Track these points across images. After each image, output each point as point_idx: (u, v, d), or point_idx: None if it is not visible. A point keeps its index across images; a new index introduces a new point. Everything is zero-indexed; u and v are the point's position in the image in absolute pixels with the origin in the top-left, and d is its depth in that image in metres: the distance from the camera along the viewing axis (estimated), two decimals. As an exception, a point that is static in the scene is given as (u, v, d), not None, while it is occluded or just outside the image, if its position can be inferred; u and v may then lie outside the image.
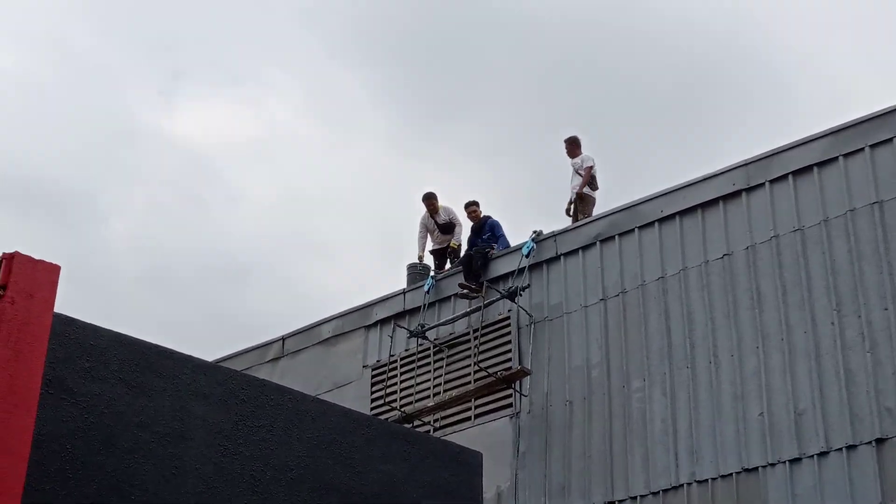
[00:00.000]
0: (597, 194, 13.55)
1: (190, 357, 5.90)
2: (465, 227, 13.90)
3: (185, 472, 5.59)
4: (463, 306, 12.85)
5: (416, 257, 14.12)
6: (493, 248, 12.96)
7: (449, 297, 13.05)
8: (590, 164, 13.47)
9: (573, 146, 13.76)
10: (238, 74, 38.93)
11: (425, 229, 14.06)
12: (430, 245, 14.10)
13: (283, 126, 37.93)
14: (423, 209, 14.09)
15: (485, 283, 12.56)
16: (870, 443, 9.10)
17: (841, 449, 9.25)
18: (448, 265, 13.81)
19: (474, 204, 13.68)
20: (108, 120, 36.52)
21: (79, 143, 36.45)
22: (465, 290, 12.67)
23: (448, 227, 13.73)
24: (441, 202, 14.00)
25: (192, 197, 37.15)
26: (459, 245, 13.77)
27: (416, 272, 13.98)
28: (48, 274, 4.95)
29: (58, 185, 35.47)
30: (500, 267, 12.72)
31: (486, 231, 13.34)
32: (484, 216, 13.57)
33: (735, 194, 10.83)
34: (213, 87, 38.72)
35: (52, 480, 5.11)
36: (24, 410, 4.71)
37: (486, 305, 12.43)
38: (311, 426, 6.20)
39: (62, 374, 5.34)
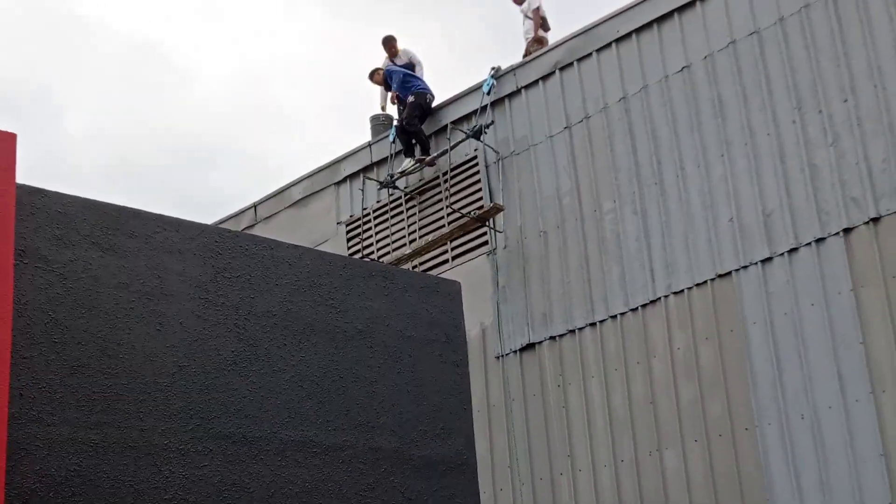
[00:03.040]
0: (550, 35, 13.46)
1: (160, 215, 5.88)
2: (426, 70, 13.74)
3: (170, 327, 5.64)
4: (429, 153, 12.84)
5: (379, 108, 14.01)
6: (424, 96, 12.82)
7: (416, 144, 13.02)
8: (536, 6, 13.40)
9: None
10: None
11: None
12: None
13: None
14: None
15: (428, 145, 12.68)
16: (837, 234, 9.29)
17: (810, 243, 9.45)
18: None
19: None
20: (47, 11, 35.54)
21: (23, 39, 35.54)
22: (423, 164, 12.65)
23: (409, 69, 13.59)
24: (400, 45, 13.81)
25: (144, 84, 36.49)
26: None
27: (380, 123, 13.90)
28: (4, 143, 4.90)
29: (9, 85, 34.77)
30: (463, 107, 12.66)
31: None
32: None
33: (690, 4, 10.74)
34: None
35: (39, 346, 5.16)
36: (1, 279, 4.73)
37: (452, 147, 12.43)
38: (288, 271, 6.24)
39: (34, 244, 5.33)
